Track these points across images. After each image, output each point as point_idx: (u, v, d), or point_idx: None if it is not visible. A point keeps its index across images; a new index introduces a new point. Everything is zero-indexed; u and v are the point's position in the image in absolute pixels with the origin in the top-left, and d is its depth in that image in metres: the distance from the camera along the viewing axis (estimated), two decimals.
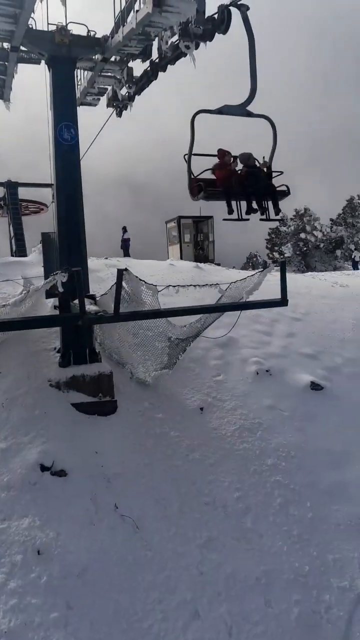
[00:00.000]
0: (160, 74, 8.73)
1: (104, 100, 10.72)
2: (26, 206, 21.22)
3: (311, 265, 43.46)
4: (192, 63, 7.13)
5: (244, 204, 7.86)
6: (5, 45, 7.92)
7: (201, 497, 7.10)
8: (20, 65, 8.89)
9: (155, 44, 8.19)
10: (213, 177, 7.89)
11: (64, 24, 7.79)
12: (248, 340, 10.71)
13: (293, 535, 6.89)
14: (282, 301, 8.06)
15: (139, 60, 8.84)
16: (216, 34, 6.88)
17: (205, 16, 6.79)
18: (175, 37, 7.49)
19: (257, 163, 8.03)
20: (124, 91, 9.97)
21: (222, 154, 7.94)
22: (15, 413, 7.44)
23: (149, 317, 7.38)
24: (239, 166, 8.03)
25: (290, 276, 16.26)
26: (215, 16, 6.80)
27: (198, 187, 7.59)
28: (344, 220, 47.88)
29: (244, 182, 7.71)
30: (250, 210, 7.90)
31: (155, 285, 7.42)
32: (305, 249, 44.99)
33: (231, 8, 6.69)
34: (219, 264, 21.16)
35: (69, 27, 7.91)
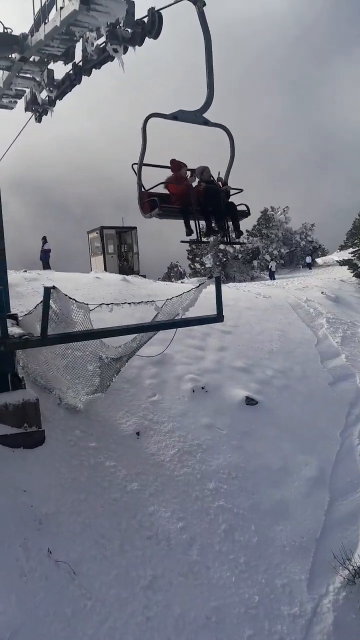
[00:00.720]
0: (85, 78, 8.20)
1: (21, 103, 9.96)
2: None
3: (230, 275, 44.41)
4: (120, 67, 6.69)
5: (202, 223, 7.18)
6: None
7: (143, 531, 6.60)
8: None
9: (79, 45, 7.66)
10: (166, 191, 7.27)
11: None
12: (182, 355, 10.40)
13: (240, 563, 6.59)
14: (218, 317, 7.83)
15: (60, 63, 8.24)
16: (146, 38, 6.50)
17: (135, 19, 6.38)
18: (102, 40, 7.02)
19: (212, 178, 7.49)
20: (44, 94, 9.30)
21: (177, 166, 7.22)
22: None
23: (80, 338, 6.81)
24: (195, 181, 7.37)
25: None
26: (145, 19, 6.42)
27: (151, 203, 6.83)
28: (259, 231, 49.56)
29: (202, 199, 7.05)
30: (210, 232, 7.25)
31: (87, 304, 6.87)
32: (225, 259, 45.95)
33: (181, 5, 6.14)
34: (144, 276, 20.78)
35: None
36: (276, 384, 10.93)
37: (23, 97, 9.78)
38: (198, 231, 7.14)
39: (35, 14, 7.14)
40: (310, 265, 44.31)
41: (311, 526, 7.54)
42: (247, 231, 50.38)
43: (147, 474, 7.46)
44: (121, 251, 22.89)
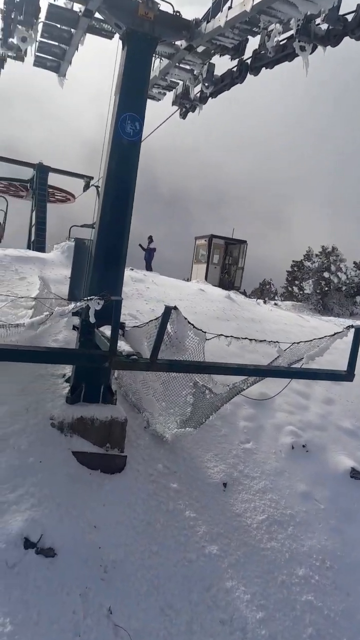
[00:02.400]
0: (249, 77, 7.40)
1: (169, 95, 9.40)
2: (53, 193, 19.88)
3: (329, 307, 42.00)
4: (304, 69, 5.77)
5: None
6: (77, 7, 6.58)
7: (216, 611, 5.65)
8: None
9: (251, 40, 6.87)
10: None
11: None
12: (283, 401, 9.28)
13: None
14: (348, 375, 6.64)
15: (226, 57, 7.50)
16: (345, 38, 5.52)
17: (339, 13, 5.41)
18: (285, 35, 6.17)
19: None
20: (197, 89, 8.65)
21: None
22: (5, 458, 6.01)
23: (192, 370, 6.00)
24: None
25: (324, 324, 14.91)
26: (349, 16, 5.43)
27: None
28: None
29: None
30: None
31: (204, 332, 6.03)
32: (326, 288, 43.56)
33: None
34: (244, 293, 19.79)
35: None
36: None
37: (174, 90, 9.21)
38: None
39: None
40: None
41: None
42: (354, 263, 47.68)
43: (230, 537, 6.48)
44: (225, 263, 22.08)
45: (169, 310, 5.52)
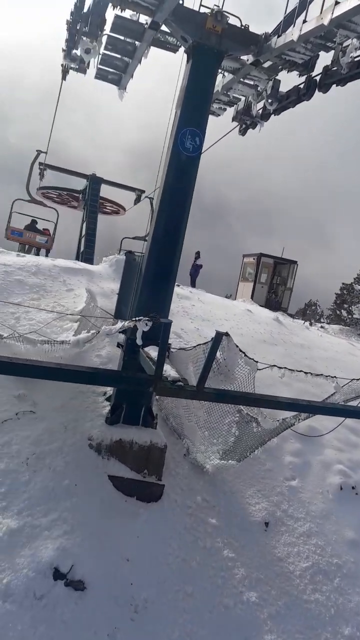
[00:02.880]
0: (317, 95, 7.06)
1: (229, 111, 9.18)
2: (103, 205, 20.05)
3: None
4: None
5: None
6: (144, 19, 6.46)
7: None
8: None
9: (322, 56, 6.54)
10: None
11: (219, 8, 6.26)
12: (332, 436, 8.71)
13: None
14: None
15: (293, 73, 7.21)
16: None
17: None
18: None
19: None
20: (259, 106, 8.38)
21: None
22: (40, 478, 5.81)
23: (241, 402, 5.64)
24: None
25: None
26: None
27: None
28: None
29: None
30: None
31: (256, 362, 5.66)
32: None
33: None
34: (292, 315, 19.21)
35: None
36: None
37: (234, 106, 8.99)
38: None
39: (287, 11, 6.17)
40: None
41: None
42: None
43: (270, 584, 6.03)
44: (273, 283, 21.58)
45: (219, 337, 5.20)
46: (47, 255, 16.83)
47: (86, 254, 17.92)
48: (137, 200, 19.81)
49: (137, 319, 5.19)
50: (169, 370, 5.55)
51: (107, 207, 20.65)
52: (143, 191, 19.83)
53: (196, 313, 11.63)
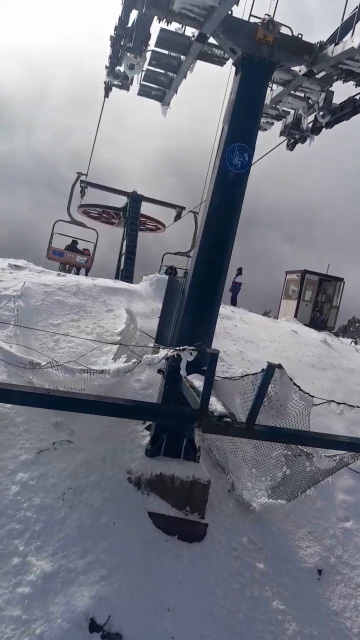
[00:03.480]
0: None
1: (277, 125, 8.80)
2: (143, 222, 19.99)
3: None
4: None
5: None
6: (191, 32, 6.21)
7: None
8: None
9: None
10: None
11: (271, 16, 5.94)
12: None
13: None
14: None
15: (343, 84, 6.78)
16: None
17: None
18: None
19: None
20: (310, 119, 7.97)
21: None
22: (76, 515, 5.50)
23: (295, 441, 5.17)
24: None
25: None
26: None
27: None
28: None
29: None
30: None
31: (312, 396, 5.18)
32: None
33: None
34: (338, 335, 18.43)
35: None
36: None
37: (282, 120, 8.61)
38: None
39: (345, 18, 5.78)
40: None
41: None
42: None
43: None
44: (317, 301, 20.86)
45: (272, 370, 4.78)
46: (86, 275, 17.14)
47: (126, 271, 17.82)
48: (178, 217, 19.63)
49: (181, 348, 4.84)
50: (214, 404, 5.14)
51: (147, 224, 20.58)
52: (183, 208, 19.64)
53: (239, 334, 11.19)
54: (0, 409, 6.52)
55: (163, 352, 4.94)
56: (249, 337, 11.12)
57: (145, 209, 19.60)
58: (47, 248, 17.26)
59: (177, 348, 4.82)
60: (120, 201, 20.05)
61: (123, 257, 18.41)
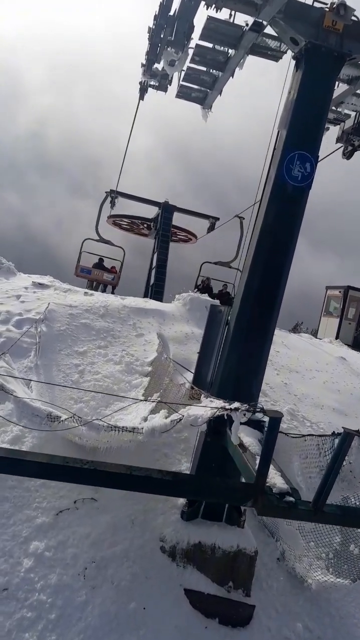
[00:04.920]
0: None
1: (333, 130, 7.81)
2: (175, 233, 19.16)
3: None
4: None
5: None
6: (244, 21, 5.31)
7: None
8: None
9: None
10: None
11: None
12: None
13: None
14: None
15: None
16: None
17: None
18: None
19: None
20: None
21: None
22: (100, 598, 4.61)
23: None
24: None
25: None
26: None
27: None
28: None
29: None
30: None
31: None
32: None
33: None
34: None
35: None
36: None
37: (340, 124, 7.62)
38: None
39: None
40: None
41: None
42: None
43: None
44: None
45: (348, 439, 3.77)
46: (113, 292, 17.23)
47: (156, 287, 17.00)
48: (211, 228, 18.74)
49: (231, 406, 3.89)
50: (271, 474, 4.16)
51: (178, 235, 19.75)
52: (217, 219, 18.76)
53: (281, 362, 10.16)
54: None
55: (209, 410, 3.98)
56: (293, 365, 10.08)
57: (176, 218, 18.86)
58: (75, 266, 17.51)
59: (227, 406, 3.87)
60: (151, 212, 19.36)
61: (153, 272, 17.60)
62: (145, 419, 5.83)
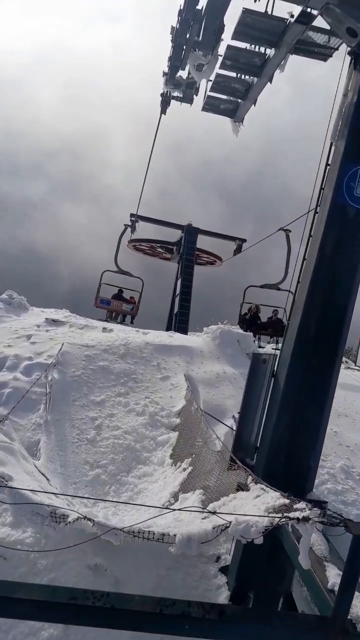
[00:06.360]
0: None
1: None
2: (198, 255, 18.27)
3: None
4: None
5: None
6: (288, 12, 4.41)
7: None
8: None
9: None
10: None
11: None
12: None
13: None
14: None
15: None
16: None
17: None
18: None
19: None
20: None
21: None
22: None
23: None
24: None
25: None
26: None
27: None
28: None
29: None
30: None
31: None
32: None
33: None
34: None
35: None
36: None
37: None
38: None
39: None
40: None
41: None
42: None
43: None
44: None
45: None
46: (132, 322, 17.11)
47: (181, 315, 15.98)
48: (238, 250, 17.75)
49: (297, 515, 2.84)
50: (355, 601, 3.06)
51: (203, 257, 18.85)
52: (244, 240, 17.78)
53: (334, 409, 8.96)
54: (19, 547, 4.73)
55: (266, 519, 2.94)
56: (341, 407, 8.88)
57: (201, 242, 18.00)
58: (95, 297, 17.15)
59: (292, 515, 2.82)
60: (173, 235, 18.54)
61: (177, 299, 16.65)
62: (176, 497, 4.83)
